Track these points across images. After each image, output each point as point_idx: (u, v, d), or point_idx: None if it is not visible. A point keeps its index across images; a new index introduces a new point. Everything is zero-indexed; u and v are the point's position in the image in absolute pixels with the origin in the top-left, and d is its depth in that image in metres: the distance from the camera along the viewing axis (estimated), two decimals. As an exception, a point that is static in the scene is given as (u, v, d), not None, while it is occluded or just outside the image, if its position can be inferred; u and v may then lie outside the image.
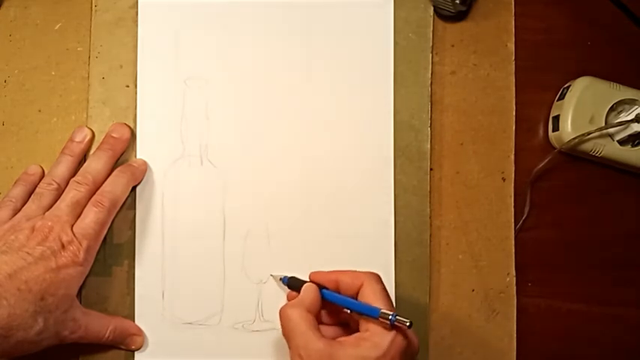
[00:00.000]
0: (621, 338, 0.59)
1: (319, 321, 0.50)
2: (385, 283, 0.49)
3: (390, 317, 0.45)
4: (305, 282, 0.52)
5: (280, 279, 0.55)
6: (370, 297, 0.48)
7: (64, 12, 0.57)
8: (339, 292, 0.50)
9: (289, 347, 0.48)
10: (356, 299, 0.49)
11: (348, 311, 0.49)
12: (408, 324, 0.45)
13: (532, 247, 0.58)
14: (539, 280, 0.58)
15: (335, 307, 0.51)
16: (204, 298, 0.55)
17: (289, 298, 0.54)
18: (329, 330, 0.51)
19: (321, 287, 0.51)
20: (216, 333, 0.55)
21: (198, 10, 0.56)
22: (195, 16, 0.56)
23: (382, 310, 0.46)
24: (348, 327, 0.52)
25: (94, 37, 0.56)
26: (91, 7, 0.56)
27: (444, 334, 0.57)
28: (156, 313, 0.55)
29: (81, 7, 0.57)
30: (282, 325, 0.49)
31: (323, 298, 0.50)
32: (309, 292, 0.50)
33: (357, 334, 0.48)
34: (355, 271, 0.51)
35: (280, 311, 0.49)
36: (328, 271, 0.52)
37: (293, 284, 0.53)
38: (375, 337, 0.46)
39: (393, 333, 0.46)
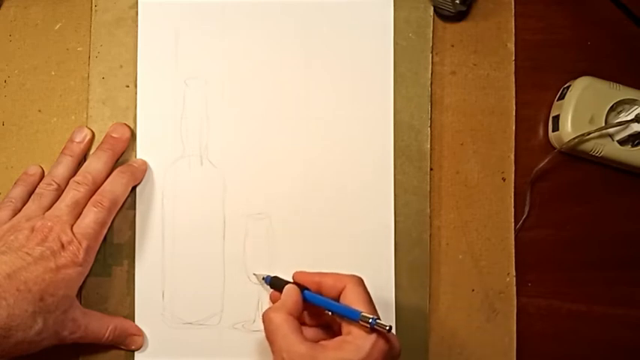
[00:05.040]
0: (621, 338, 0.59)
1: (302, 322, 0.50)
2: (385, 283, 0.49)
3: (370, 320, 0.45)
4: (287, 282, 0.52)
5: (263, 278, 0.54)
6: (352, 300, 0.48)
7: (64, 12, 0.57)
8: (321, 294, 0.50)
9: (272, 351, 0.48)
10: (338, 301, 0.49)
11: (330, 313, 0.49)
12: (387, 328, 0.45)
13: (532, 247, 0.58)
14: (539, 280, 0.58)
15: (317, 308, 0.51)
16: (204, 298, 0.55)
17: (272, 298, 0.54)
18: (311, 331, 0.51)
19: (303, 288, 0.51)
20: (216, 333, 0.55)
21: (198, 10, 0.56)
22: (195, 16, 0.56)
23: (362, 313, 0.46)
24: (331, 329, 0.52)
25: (94, 37, 0.56)
26: (91, 7, 0.56)
27: (444, 334, 0.57)
28: (156, 313, 0.55)
29: (81, 7, 0.57)
30: (265, 329, 0.49)
31: (305, 299, 0.50)
32: (290, 293, 0.50)
33: (339, 338, 0.47)
34: (338, 274, 0.50)
35: (263, 315, 0.49)
36: (311, 272, 0.52)
37: (275, 284, 0.53)
38: (358, 340, 0.46)
39: (374, 336, 0.46)
